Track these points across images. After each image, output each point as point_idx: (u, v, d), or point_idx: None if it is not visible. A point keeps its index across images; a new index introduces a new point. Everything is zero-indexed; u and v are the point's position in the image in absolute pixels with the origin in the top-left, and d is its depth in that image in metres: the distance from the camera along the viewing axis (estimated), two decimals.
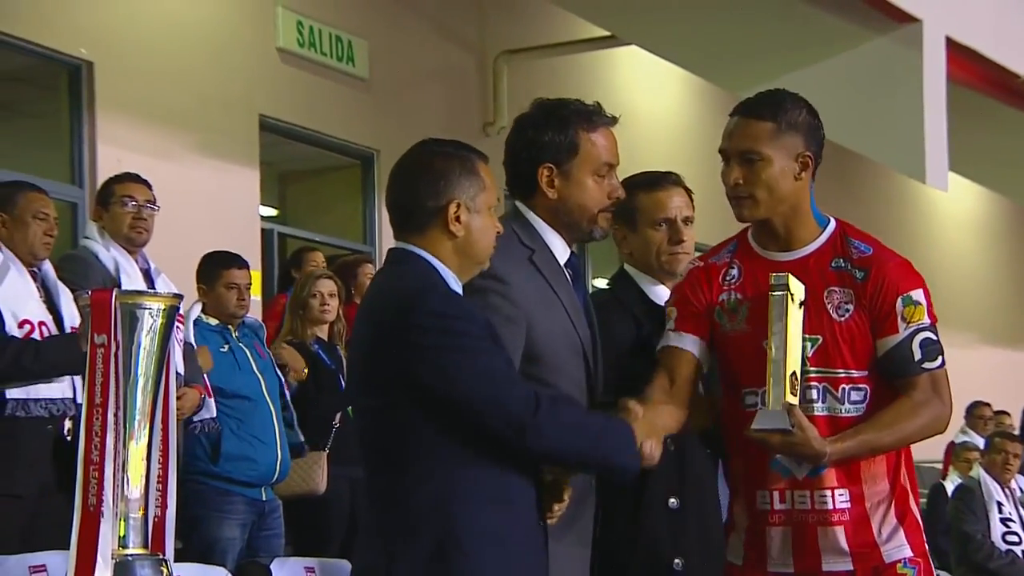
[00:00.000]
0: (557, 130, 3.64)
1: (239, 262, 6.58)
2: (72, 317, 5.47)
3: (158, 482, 3.14)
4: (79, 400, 5.33)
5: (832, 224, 3.64)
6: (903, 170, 10.64)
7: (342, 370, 7.03)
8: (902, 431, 3.51)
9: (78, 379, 5.38)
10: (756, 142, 3.52)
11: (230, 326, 6.49)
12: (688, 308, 3.70)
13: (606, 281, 4.35)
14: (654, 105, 13.24)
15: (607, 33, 11.36)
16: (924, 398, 3.51)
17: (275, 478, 6.39)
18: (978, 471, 10.19)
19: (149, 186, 6.08)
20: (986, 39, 10.20)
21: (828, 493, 3.53)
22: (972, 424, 12.88)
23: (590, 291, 4.04)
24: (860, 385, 3.52)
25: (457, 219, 3.23)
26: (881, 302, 3.51)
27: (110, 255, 5.88)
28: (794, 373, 3.40)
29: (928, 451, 13.93)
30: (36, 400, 5.30)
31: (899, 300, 3.51)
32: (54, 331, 5.37)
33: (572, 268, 3.73)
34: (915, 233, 17.68)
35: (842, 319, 3.51)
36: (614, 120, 3.72)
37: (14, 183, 5.96)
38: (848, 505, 3.54)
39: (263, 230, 10.26)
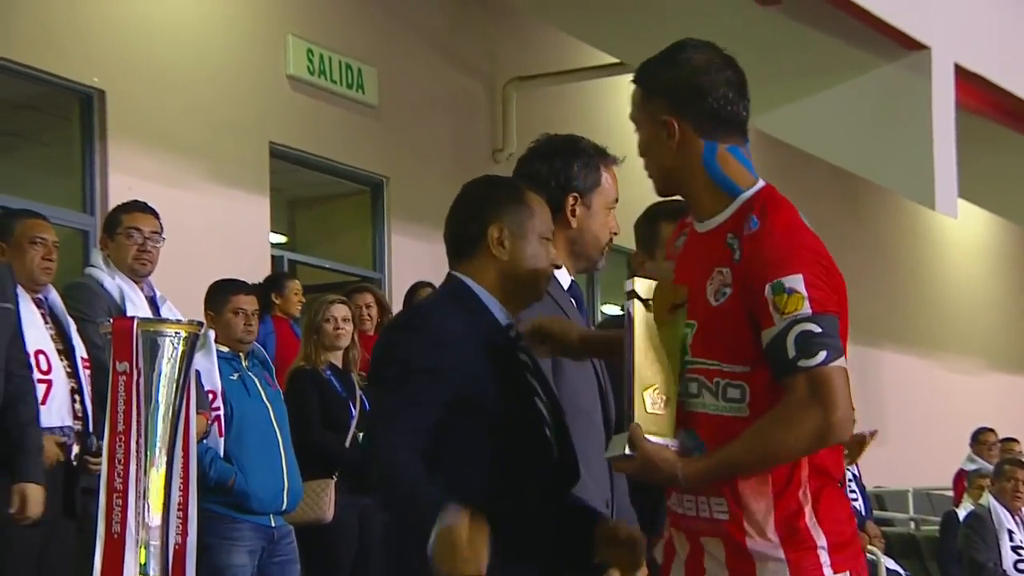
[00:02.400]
0: (584, 162, 3.72)
1: (245, 288, 6.65)
2: (80, 347, 5.46)
3: (179, 509, 3.14)
4: (76, 427, 5.36)
5: (747, 193, 3.10)
6: (913, 197, 10.63)
7: (353, 398, 7.02)
8: (765, 447, 2.90)
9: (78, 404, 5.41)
10: (633, 108, 3.20)
11: (240, 354, 6.51)
12: None
13: (617, 307, 4.37)
14: None
15: (616, 60, 11.37)
16: (797, 405, 2.88)
17: (284, 507, 6.39)
18: (988, 499, 10.15)
19: (156, 215, 6.08)
20: (994, 66, 10.21)
21: (706, 499, 3.02)
22: (978, 451, 12.83)
23: (601, 318, 4.07)
24: (736, 382, 2.98)
25: (501, 243, 3.23)
26: (751, 289, 2.95)
27: (115, 283, 5.88)
28: (655, 387, 2.98)
29: (939, 479, 13.92)
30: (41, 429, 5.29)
31: (767, 287, 2.92)
32: (58, 362, 5.35)
33: (574, 296, 3.77)
34: (924, 259, 17.67)
35: (718, 303, 3.01)
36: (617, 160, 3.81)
37: (11, 212, 5.97)
38: (725, 517, 3.01)
39: (273, 257, 10.28)
